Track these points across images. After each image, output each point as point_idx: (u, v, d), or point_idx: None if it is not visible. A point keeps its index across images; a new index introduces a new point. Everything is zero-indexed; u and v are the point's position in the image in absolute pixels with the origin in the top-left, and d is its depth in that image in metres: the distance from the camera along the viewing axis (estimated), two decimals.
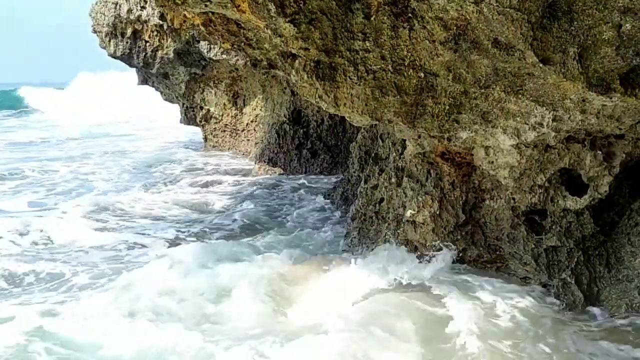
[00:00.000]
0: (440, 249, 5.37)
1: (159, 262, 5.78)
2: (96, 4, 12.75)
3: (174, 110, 15.50)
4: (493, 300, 4.71)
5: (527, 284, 5.10)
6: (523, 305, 4.64)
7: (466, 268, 5.32)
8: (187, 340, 4.16)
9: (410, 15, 4.00)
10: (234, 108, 14.00)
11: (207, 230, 7.50)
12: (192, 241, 6.95)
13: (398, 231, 5.78)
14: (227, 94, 13.88)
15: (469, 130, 4.62)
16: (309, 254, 6.24)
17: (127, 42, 12.49)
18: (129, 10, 11.85)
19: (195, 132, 16.92)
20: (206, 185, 10.82)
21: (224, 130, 14.45)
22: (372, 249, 5.90)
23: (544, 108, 4.25)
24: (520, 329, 4.30)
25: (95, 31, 12.96)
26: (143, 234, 7.25)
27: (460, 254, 5.38)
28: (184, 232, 7.37)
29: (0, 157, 14.54)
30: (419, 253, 5.46)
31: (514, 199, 5.11)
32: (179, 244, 6.78)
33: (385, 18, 4.09)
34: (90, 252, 6.57)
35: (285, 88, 12.47)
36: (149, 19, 11.74)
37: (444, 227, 5.38)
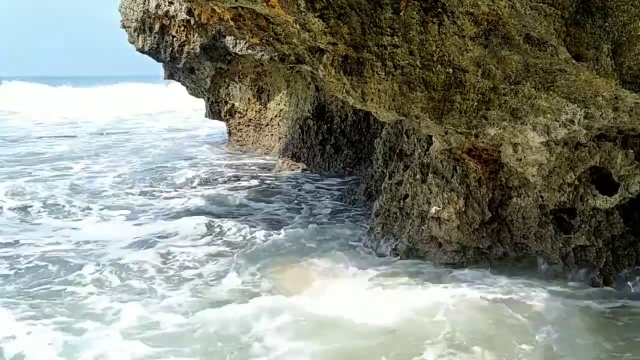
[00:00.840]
0: (465, 247, 5.35)
1: None
2: None
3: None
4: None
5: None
6: None
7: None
8: None
9: (440, 10, 3.98)
10: (258, 103, 14.08)
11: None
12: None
13: (422, 227, 5.76)
14: (251, 89, 13.96)
15: (497, 126, 4.58)
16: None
17: (154, 37, 12.63)
18: (157, 6, 11.99)
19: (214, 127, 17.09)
20: (229, 180, 10.90)
21: (248, 125, 14.53)
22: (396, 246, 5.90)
23: (576, 105, 4.19)
24: None
25: (124, 26, 13.14)
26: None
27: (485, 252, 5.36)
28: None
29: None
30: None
31: (542, 197, 5.05)
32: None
33: (414, 13, 4.08)
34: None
35: (309, 83, 12.49)
36: (176, 14, 11.87)
37: (470, 224, 5.35)
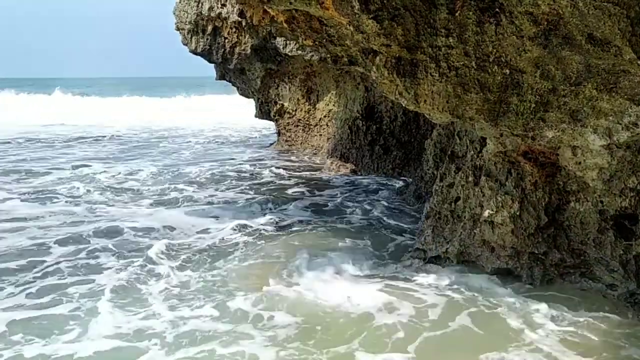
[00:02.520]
0: (519, 252, 5.21)
1: None
2: (179, 2, 13.26)
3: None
4: None
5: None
6: None
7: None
8: None
9: (497, 10, 3.90)
10: (307, 103, 14.16)
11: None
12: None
13: (474, 231, 5.66)
14: (301, 89, 14.07)
15: (555, 129, 4.44)
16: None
17: (207, 39, 12.91)
18: (210, 8, 12.25)
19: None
20: (282, 179, 11.02)
21: (297, 125, 14.65)
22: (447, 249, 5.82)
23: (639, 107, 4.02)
24: None
25: (178, 28, 13.49)
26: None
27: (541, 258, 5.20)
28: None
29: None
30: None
31: (602, 202, 4.87)
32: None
33: (470, 13, 4.01)
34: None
35: (358, 84, 12.47)
36: (228, 16, 12.09)
37: (524, 229, 5.21)
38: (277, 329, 4.45)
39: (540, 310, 4.70)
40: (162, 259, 6.11)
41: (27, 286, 5.37)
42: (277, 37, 11.78)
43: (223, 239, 6.97)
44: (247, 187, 10.22)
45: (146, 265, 5.88)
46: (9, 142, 16.91)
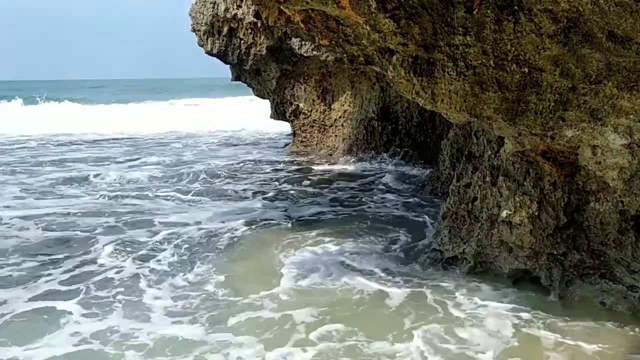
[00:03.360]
0: (538, 252, 5.16)
1: None
2: (195, 3, 13.35)
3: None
4: None
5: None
6: None
7: None
8: None
9: (516, 8, 3.86)
10: (322, 104, 14.17)
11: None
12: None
13: (492, 232, 5.61)
14: (316, 90, 14.07)
15: (575, 128, 4.38)
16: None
17: (223, 40, 12.98)
18: (226, 9, 12.32)
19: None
20: (297, 177, 11.06)
21: (312, 126, 14.65)
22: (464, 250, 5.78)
23: None
24: None
25: (194, 30, 13.58)
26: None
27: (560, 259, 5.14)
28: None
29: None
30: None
31: (622, 202, 4.79)
32: None
33: (488, 11, 3.97)
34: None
35: (374, 84, 12.45)
36: (244, 17, 12.15)
37: (543, 230, 5.15)
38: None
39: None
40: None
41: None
42: (293, 38, 11.81)
43: (240, 234, 7.05)
44: (262, 184, 10.29)
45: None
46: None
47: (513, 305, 4.89)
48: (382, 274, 5.72)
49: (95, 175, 11.15)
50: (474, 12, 4.01)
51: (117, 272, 5.74)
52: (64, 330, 4.44)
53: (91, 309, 4.85)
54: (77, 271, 5.82)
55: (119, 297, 5.12)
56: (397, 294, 5.19)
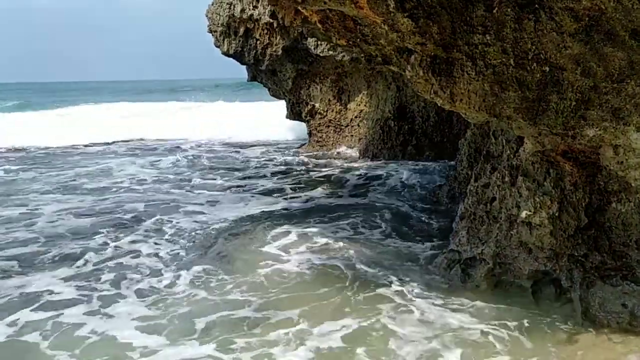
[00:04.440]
0: (558, 254, 5.09)
1: None
2: (212, 4, 13.42)
3: None
4: None
5: None
6: None
7: None
8: None
9: (536, 6, 3.81)
10: (338, 104, 14.15)
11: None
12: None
13: (511, 232, 5.54)
14: (332, 90, 14.06)
15: (597, 127, 4.32)
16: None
17: (239, 41, 13.03)
18: (242, 10, 12.36)
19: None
20: (313, 176, 11.06)
21: (328, 126, 14.64)
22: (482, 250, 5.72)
23: None
24: None
25: (210, 31, 13.66)
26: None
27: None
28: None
29: None
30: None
31: None
32: None
33: (508, 10, 3.93)
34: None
35: (390, 83, 12.41)
36: (260, 18, 12.18)
37: (564, 230, 5.09)
38: None
39: None
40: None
41: None
42: (309, 38, 11.82)
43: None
44: (279, 183, 10.32)
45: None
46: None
47: None
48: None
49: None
50: (494, 11, 3.97)
51: None
52: None
53: None
54: None
55: None
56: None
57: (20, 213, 8.31)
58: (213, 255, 6.39)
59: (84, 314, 4.88)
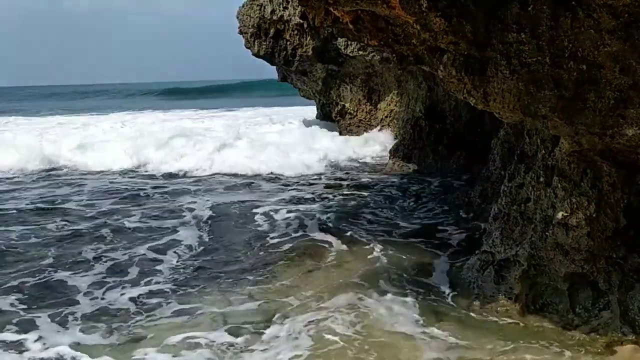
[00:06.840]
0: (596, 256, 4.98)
1: None
2: (243, 6, 13.57)
3: None
4: None
5: None
6: None
7: None
8: None
9: (573, 2, 3.73)
10: (368, 104, 14.13)
11: None
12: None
13: (546, 234, 5.44)
14: (362, 90, 14.05)
15: (636, 126, 4.20)
16: None
17: (269, 42, 13.15)
18: (272, 11, 12.47)
19: None
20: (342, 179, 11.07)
21: (359, 126, 14.63)
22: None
23: None
24: None
25: (241, 32, 13.81)
26: None
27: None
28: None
29: None
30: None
31: None
32: None
33: (544, 7, 3.86)
34: None
35: (421, 83, 12.32)
36: (290, 19, 12.27)
37: (602, 232, 4.97)
38: None
39: None
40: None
41: None
42: (339, 38, 11.83)
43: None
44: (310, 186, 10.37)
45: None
46: None
47: None
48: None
49: None
50: (529, 8, 3.91)
51: None
52: None
53: None
54: None
55: None
56: None
57: None
58: None
59: None
